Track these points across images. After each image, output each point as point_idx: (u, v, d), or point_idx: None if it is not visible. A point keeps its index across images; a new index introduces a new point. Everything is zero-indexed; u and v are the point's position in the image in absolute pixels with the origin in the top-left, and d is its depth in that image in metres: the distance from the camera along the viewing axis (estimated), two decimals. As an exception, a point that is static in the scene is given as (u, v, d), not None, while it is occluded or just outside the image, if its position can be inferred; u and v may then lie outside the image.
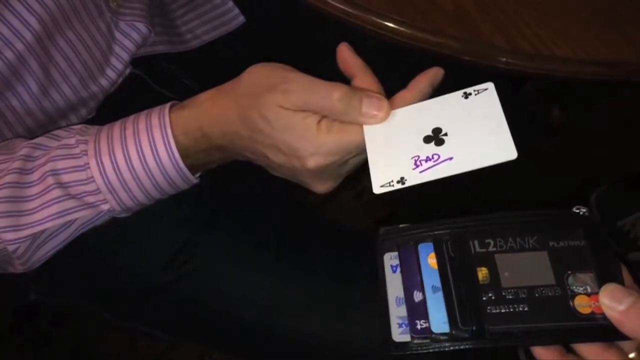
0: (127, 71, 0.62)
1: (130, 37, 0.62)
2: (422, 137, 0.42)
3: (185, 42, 0.71)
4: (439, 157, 0.41)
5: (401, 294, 0.40)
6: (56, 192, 0.49)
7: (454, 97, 0.43)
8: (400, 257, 0.41)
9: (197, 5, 0.73)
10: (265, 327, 0.62)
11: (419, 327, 0.39)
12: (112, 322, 0.69)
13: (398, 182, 0.41)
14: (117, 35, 0.61)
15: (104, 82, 0.60)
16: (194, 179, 0.51)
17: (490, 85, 0.43)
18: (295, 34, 0.69)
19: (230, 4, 0.73)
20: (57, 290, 0.66)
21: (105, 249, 0.61)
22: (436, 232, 0.41)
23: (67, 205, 0.49)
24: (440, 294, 0.39)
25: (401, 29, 0.58)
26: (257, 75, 0.46)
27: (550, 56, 0.55)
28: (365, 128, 0.44)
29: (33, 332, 1.01)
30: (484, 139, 0.41)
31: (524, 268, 0.39)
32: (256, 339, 0.64)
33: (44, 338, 1.02)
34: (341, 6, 0.58)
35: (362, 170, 0.45)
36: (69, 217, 0.49)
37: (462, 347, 0.38)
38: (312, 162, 0.44)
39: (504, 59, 0.52)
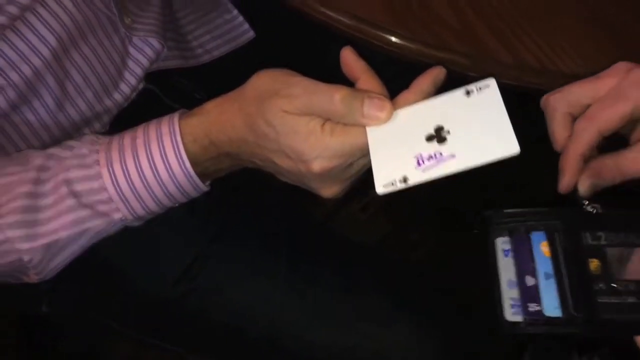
0: (141, 86, 0.64)
1: (143, 52, 0.63)
2: (425, 135, 0.43)
3: (197, 56, 0.72)
4: (441, 154, 0.42)
5: (513, 277, 0.44)
6: (70, 202, 0.50)
7: (456, 95, 0.44)
8: (512, 243, 0.45)
9: (207, 20, 0.75)
10: (273, 338, 0.63)
11: (531, 309, 0.42)
12: (120, 332, 0.70)
13: (401, 181, 0.42)
14: (131, 50, 0.63)
15: (117, 96, 0.62)
16: (204, 187, 0.52)
17: (492, 82, 0.43)
18: (304, 48, 0.71)
19: (240, 18, 0.75)
20: (69, 302, 0.67)
21: (116, 261, 0.62)
22: (548, 222, 0.44)
23: (81, 215, 0.50)
24: (552, 281, 0.43)
25: (407, 44, 0.59)
26: (261, 81, 0.47)
27: (556, 71, 0.57)
28: (368, 129, 0.44)
29: (40, 342, 1.02)
30: (486, 134, 0.41)
31: (634, 262, 0.42)
32: (264, 351, 0.64)
33: (52, 347, 1.03)
34: (347, 21, 0.60)
35: (368, 183, 0.46)
36: (82, 227, 0.50)
37: (572, 331, 0.42)
38: (317, 166, 0.45)
39: (511, 75, 0.53)
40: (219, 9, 0.75)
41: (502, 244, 0.45)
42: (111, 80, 0.61)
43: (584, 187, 0.44)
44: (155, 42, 0.63)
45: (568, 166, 0.44)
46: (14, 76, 0.53)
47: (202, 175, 0.51)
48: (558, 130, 0.44)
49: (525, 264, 0.44)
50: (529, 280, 0.43)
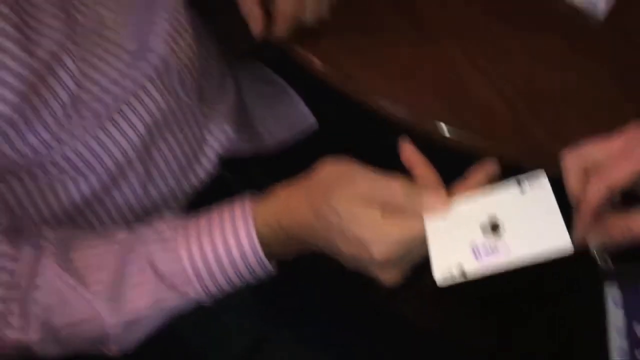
0: (215, 171, 0.69)
1: (218, 138, 0.70)
2: (480, 226, 0.46)
3: (264, 141, 0.78)
4: (496, 247, 0.45)
5: (623, 325, 0.45)
6: (153, 282, 0.54)
7: (508, 187, 0.47)
8: (623, 294, 0.46)
9: (273, 107, 0.81)
10: None
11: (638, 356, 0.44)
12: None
13: (460, 275, 0.45)
14: (207, 136, 0.69)
15: (194, 180, 0.67)
16: (272, 269, 0.56)
17: (542, 174, 0.47)
18: (365, 138, 0.76)
19: (305, 108, 0.81)
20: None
21: (183, 335, 0.66)
22: None
23: (163, 295, 0.54)
24: None
25: (460, 134, 0.63)
26: (326, 170, 0.52)
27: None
28: (426, 219, 0.48)
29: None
30: (539, 230, 0.44)
31: None
32: None
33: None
34: (404, 113, 0.65)
35: (423, 267, 0.49)
36: (163, 305, 0.55)
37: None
38: (377, 253, 0.48)
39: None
40: (285, 99, 0.82)
41: (613, 293, 0.46)
42: (189, 165, 0.68)
43: (594, 244, 0.45)
44: (228, 129, 0.70)
45: (580, 222, 0.45)
46: (108, 161, 0.59)
47: (270, 258, 0.55)
48: (573, 185, 0.46)
49: (635, 314, 0.44)
50: (638, 330, 0.44)
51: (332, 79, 0.67)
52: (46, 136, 0.54)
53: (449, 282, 0.45)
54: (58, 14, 0.54)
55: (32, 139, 0.54)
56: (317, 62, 0.67)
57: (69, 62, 0.54)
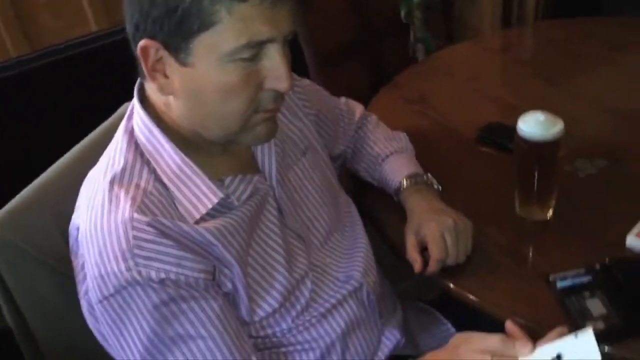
0: None
1: (390, 340, 1.05)
2: (551, 358, 0.75)
3: (420, 349, 1.12)
4: None
5: None
6: None
7: (568, 337, 0.76)
8: None
9: (428, 329, 1.16)
10: None
11: None
12: None
13: None
14: (383, 339, 1.05)
15: None
16: None
17: (589, 330, 0.75)
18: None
19: (451, 329, 1.15)
20: None
21: None
22: None
23: None
24: None
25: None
26: (456, 337, 0.86)
27: None
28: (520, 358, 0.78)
29: None
30: (579, 353, 0.73)
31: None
32: None
33: None
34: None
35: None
36: None
37: None
38: None
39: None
40: (436, 321, 1.17)
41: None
42: (370, 357, 1.03)
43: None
44: (397, 333, 1.05)
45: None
46: (322, 343, 0.97)
47: None
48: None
49: None
50: None
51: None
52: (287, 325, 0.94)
53: None
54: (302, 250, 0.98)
55: (282, 324, 0.94)
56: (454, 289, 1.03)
57: (308, 283, 0.96)
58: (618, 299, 0.91)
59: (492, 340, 0.81)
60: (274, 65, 0.80)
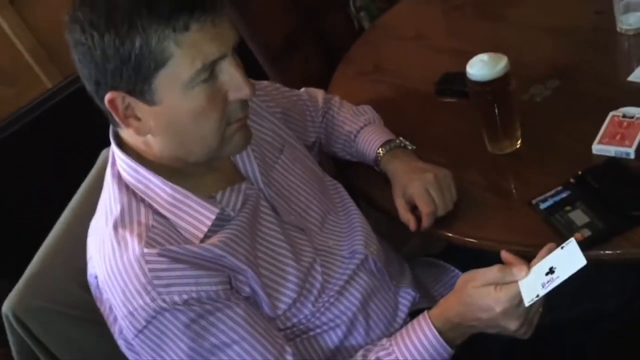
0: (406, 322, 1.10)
1: (405, 299, 1.12)
2: (544, 273, 0.82)
3: (435, 300, 1.18)
4: (552, 279, 0.81)
5: None
6: None
7: (556, 251, 0.84)
8: None
9: (438, 279, 1.24)
10: None
11: None
12: None
13: (536, 297, 0.81)
14: (399, 298, 1.12)
15: (393, 330, 1.08)
16: (449, 348, 0.93)
17: (572, 240, 0.82)
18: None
19: (459, 274, 1.22)
20: None
21: None
22: None
23: None
24: None
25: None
26: (460, 280, 0.93)
27: None
28: (519, 282, 0.85)
29: None
30: (568, 262, 0.80)
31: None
32: None
33: None
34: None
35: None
36: None
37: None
38: (500, 309, 0.86)
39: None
40: (446, 270, 1.25)
41: None
42: (391, 319, 1.10)
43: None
44: (410, 291, 1.13)
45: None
46: (345, 317, 1.04)
47: (448, 341, 0.93)
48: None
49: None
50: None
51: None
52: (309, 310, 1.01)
53: (533, 302, 0.82)
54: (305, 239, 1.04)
55: (304, 311, 1.00)
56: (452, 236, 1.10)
57: (318, 267, 1.03)
58: (597, 204, 0.98)
59: (491, 273, 0.88)
60: (232, 77, 0.86)
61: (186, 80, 0.82)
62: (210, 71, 0.84)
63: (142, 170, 0.89)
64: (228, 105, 0.87)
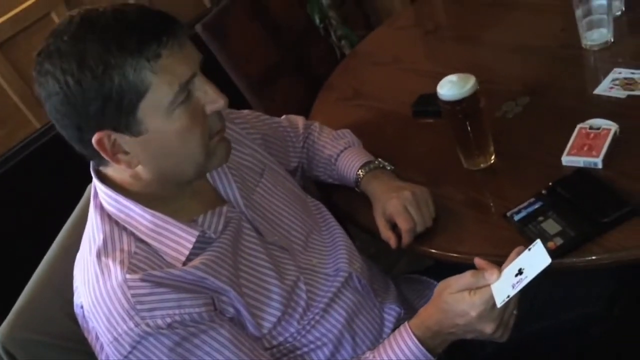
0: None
1: (391, 314, 1.14)
2: (514, 275, 0.85)
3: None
4: (521, 279, 0.84)
5: None
6: None
7: (524, 253, 0.87)
8: None
9: (422, 294, 1.26)
10: None
11: None
12: None
13: (507, 297, 0.84)
14: (384, 315, 1.14)
15: (381, 341, 1.11)
16: (431, 357, 0.95)
17: (538, 241, 0.86)
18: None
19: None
20: None
21: None
22: None
23: None
24: None
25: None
26: (437, 288, 0.96)
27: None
28: (492, 285, 0.88)
29: None
30: (535, 261, 0.83)
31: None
32: None
33: None
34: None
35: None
36: None
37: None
38: (474, 313, 0.88)
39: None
40: (428, 286, 1.27)
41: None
42: (378, 335, 1.12)
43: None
44: (395, 307, 1.15)
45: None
46: (331, 335, 1.05)
47: (429, 350, 0.95)
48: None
49: None
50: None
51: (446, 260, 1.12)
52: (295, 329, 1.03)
53: (505, 303, 0.85)
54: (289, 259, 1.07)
55: (289, 329, 1.02)
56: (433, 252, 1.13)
57: (302, 285, 1.05)
58: (568, 213, 1.01)
59: (465, 278, 0.91)
60: (206, 92, 0.90)
61: (167, 104, 0.86)
62: (186, 91, 0.88)
63: (122, 200, 0.92)
64: (207, 118, 0.92)
